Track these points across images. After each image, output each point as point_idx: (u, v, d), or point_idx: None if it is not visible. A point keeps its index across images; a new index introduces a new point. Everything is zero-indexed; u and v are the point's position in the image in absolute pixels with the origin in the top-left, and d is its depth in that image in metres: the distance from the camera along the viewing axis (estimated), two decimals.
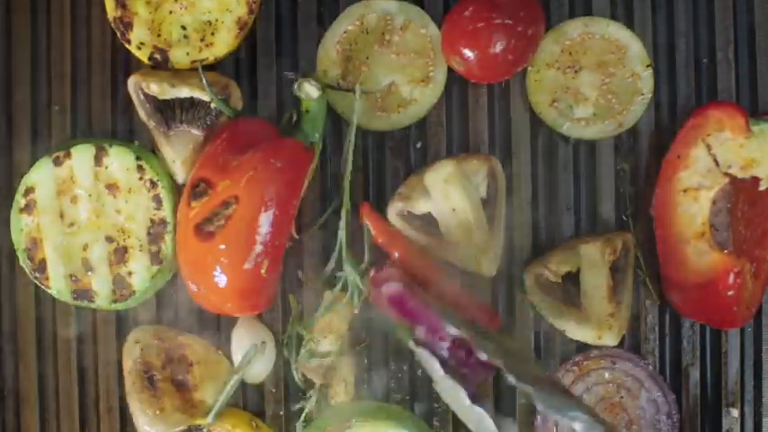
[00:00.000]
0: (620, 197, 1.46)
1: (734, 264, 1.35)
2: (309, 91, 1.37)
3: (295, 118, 1.42)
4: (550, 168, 1.47)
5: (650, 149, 1.47)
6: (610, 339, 1.39)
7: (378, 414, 1.40)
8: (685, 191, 1.39)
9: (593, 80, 1.44)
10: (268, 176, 1.30)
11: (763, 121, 1.38)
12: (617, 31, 1.44)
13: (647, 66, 1.44)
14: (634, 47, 1.44)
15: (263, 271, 1.30)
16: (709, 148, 1.38)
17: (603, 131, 1.44)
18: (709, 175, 1.38)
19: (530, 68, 1.44)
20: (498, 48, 1.35)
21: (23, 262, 1.42)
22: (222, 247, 1.29)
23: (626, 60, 1.44)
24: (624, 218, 1.46)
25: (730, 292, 1.35)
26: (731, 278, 1.35)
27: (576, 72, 1.44)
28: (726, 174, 1.38)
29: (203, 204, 1.31)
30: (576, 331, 1.41)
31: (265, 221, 1.29)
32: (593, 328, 1.39)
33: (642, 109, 1.44)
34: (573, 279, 1.41)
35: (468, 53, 1.36)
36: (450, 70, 1.44)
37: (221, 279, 1.29)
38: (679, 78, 1.47)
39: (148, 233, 1.40)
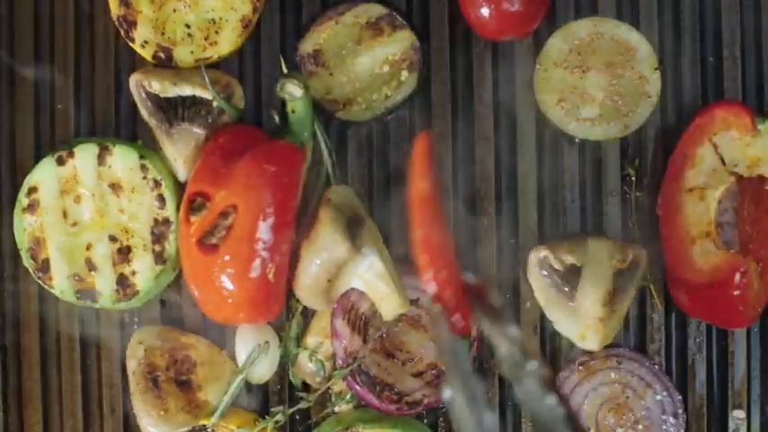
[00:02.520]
0: (625, 200, 1.46)
1: (740, 263, 1.34)
2: (292, 91, 1.36)
3: (278, 119, 1.42)
4: (556, 170, 1.46)
5: (656, 148, 1.47)
6: (591, 343, 1.38)
7: (383, 421, 1.40)
8: (691, 190, 1.38)
9: (600, 81, 1.44)
10: (263, 181, 1.30)
11: None
12: (626, 33, 1.44)
13: (655, 69, 1.43)
14: (643, 49, 1.43)
15: (270, 276, 1.29)
16: (715, 147, 1.38)
17: (609, 133, 1.44)
18: (715, 174, 1.38)
19: (537, 67, 1.44)
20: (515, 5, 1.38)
21: (26, 262, 1.41)
22: (227, 257, 1.28)
23: (634, 62, 1.43)
24: (630, 224, 1.46)
25: (736, 292, 1.35)
26: (737, 278, 1.34)
27: (583, 72, 1.44)
28: (732, 173, 1.37)
29: (202, 218, 1.31)
30: (563, 325, 1.40)
31: (266, 226, 1.29)
32: (579, 327, 1.38)
33: (648, 111, 1.44)
34: (577, 274, 1.40)
35: (483, 10, 1.38)
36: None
37: (230, 290, 1.29)
38: (685, 77, 1.47)
39: (152, 232, 1.40)
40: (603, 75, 1.44)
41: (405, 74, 1.44)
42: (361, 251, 1.32)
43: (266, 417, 1.45)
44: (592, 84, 1.44)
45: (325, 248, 1.32)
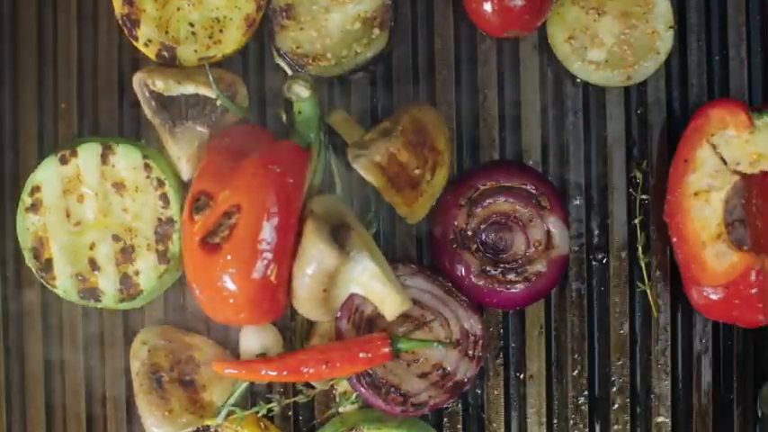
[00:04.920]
0: (631, 203, 1.46)
1: (754, 261, 1.34)
2: (299, 91, 1.35)
3: (286, 119, 1.42)
4: (561, 172, 1.47)
5: (661, 149, 1.46)
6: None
7: (387, 421, 1.39)
8: (696, 194, 1.37)
9: (613, 27, 1.43)
10: (267, 182, 1.29)
11: (766, 113, 1.37)
12: None
13: (670, 27, 1.42)
14: (662, 5, 1.43)
15: (272, 278, 1.29)
16: (714, 147, 1.37)
17: (611, 80, 1.44)
18: (718, 175, 1.37)
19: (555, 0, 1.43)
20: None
21: (29, 261, 1.41)
22: (229, 257, 1.28)
23: (650, 16, 1.43)
24: (633, 224, 1.45)
25: (753, 290, 1.34)
26: (753, 276, 1.34)
27: (598, 15, 1.43)
28: (735, 172, 1.37)
29: (206, 217, 1.30)
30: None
31: (269, 227, 1.28)
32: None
33: (654, 68, 1.43)
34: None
35: (486, 6, 1.38)
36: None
37: (232, 290, 1.29)
38: (691, 76, 1.46)
39: (155, 232, 1.39)
40: (618, 22, 1.43)
41: (376, 31, 1.42)
42: (353, 256, 1.32)
43: (271, 418, 1.45)
44: (604, 28, 1.43)
45: (313, 259, 1.31)
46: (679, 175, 1.39)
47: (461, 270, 1.40)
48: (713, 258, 1.36)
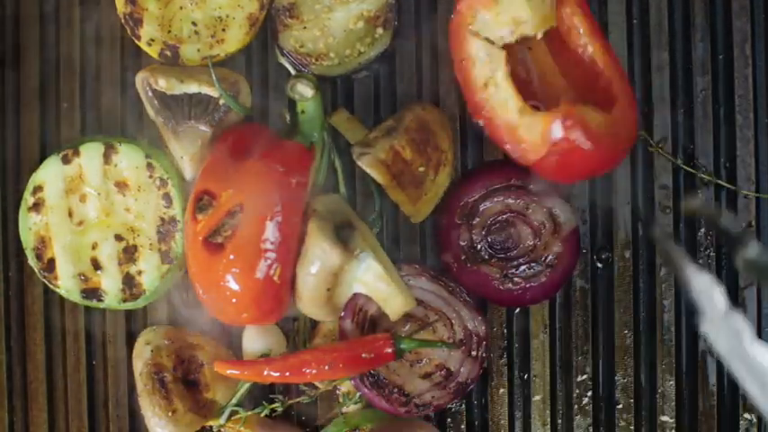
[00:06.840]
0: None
1: (556, 114, 1.27)
2: (303, 91, 1.35)
3: (289, 119, 1.42)
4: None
5: (666, 146, 1.46)
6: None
7: (391, 421, 1.39)
8: (486, 84, 1.32)
9: None
10: (270, 182, 1.30)
11: None
12: None
13: None
14: None
15: (275, 277, 1.29)
16: (478, 36, 1.31)
17: None
18: (493, 56, 1.31)
19: None
20: None
21: (32, 261, 1.41)
22: (232, 257, 1.28)
23: None
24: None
25: (573, 137, 1.27)
26: (559, 129, 1.26)
27: None
28: (503, 47, 1.31)
29: (209, 217, 1.30)
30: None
31: (272, 227, 1.28)
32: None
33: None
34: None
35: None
36: None
37: (235, 290, 1.29)
38: (695, 74, 1.46)
39: (158, 232, 1.39)
40: None
41: (379, 30, 1.42)
42: (357, 255, 1.32)
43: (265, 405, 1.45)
44: None
45: (316, 259, 1.31)
46: (466, 76, 1.34)
47: (484, 283, 1.39)
48: (527, 132, 1.31)
